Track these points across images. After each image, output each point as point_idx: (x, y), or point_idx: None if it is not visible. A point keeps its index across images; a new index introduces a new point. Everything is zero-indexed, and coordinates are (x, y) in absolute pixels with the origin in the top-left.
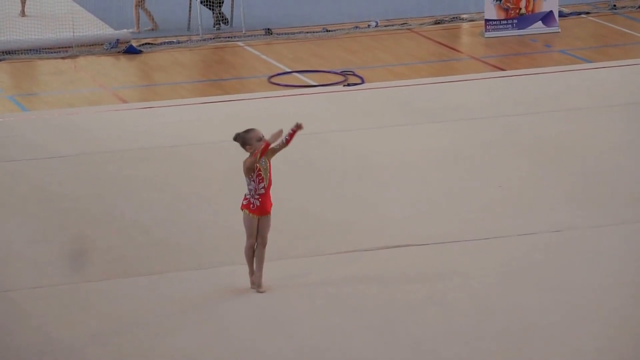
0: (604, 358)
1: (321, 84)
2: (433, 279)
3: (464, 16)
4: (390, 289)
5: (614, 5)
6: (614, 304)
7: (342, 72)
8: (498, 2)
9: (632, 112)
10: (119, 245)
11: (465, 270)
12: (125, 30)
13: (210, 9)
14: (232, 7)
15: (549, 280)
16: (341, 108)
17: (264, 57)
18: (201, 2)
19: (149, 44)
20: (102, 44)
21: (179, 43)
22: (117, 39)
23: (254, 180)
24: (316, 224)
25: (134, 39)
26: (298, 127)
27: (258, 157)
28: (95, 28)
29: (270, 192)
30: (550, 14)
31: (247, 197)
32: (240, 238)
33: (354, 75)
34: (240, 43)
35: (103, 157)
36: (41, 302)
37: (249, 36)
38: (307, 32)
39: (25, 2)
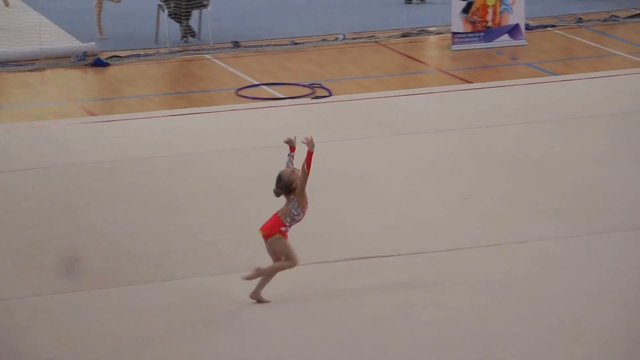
0: None
1: (289, 96)
2: (401, 290)
3: (431, 29)
4: (357, 300)
5: (580, 19)
6: (594, 315)
7: (309, 84)
8: (465, 15)
9: (599, 124)
10: (88, 257)
11: (434, 281)
12: (92, 43)
13: (178, 21)
14: (200, 19)
15: (520, 291)
16: (309, 120)
17: (231, 69)
18: (169, 15)
19: (116, 56)
20: (69, 57)
21: (146, 56)
22: (85, 52)
23: (300, 205)
24: None
25: (102, 51)
26: (309, 143)
27: (306, 171)
28: (62, 41)
29: None
30: (516, 27)
31: (287, 224)
32: (209, 250)
33: (322, 87)
34: (208, 56)
35: (71, 169)
36: (6, 314)
37: (216, 49)
38: (275, 45)
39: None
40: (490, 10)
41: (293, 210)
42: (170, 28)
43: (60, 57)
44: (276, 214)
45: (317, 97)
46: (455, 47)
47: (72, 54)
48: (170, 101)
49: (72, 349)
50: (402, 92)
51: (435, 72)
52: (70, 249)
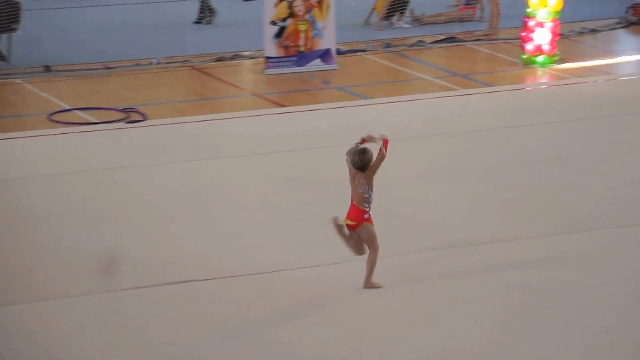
0: None
1: (103, 121)
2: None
3: (245, 53)
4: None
5: (388, 44)
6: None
7: (124, 109)
8: (278, 39)
9: (411, 145)
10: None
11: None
12: None
13: None
14: (10, 42)
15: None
16: (123, 145)
17: (43, 94)
18: None
19: None
20: None
21: None
22: None
23: (371, 187)
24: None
25: None
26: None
27: (384, 156)
28: None
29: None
30: (328, 51)
31: (367, 209)
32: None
33: (136, 112)
34: (18, 80)
35: None
36: None
37: (27, 73)
38: (88, 70)
39: None
40: (302, 35)
41: (365, 195)
42: None
43: None
44: (353, 207)
45: (131, 122)
46: (268, 71)
47: None
48: None
49: None
50: (217, 116)
51: (250, 96)
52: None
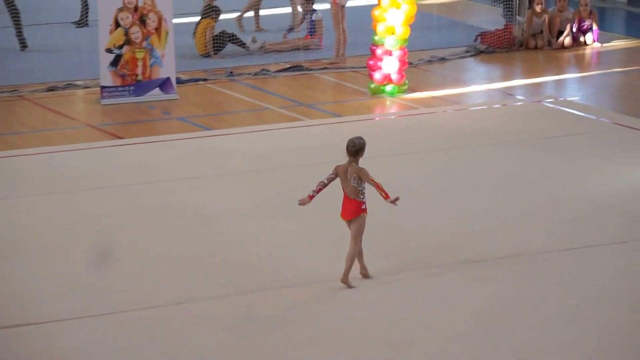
0: None
1: None
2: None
3: (79, 82)
4: None
5: (231, 72)
6: None
7: None
8: (114, 68)
9: (255, 178)
10: None
11: None
12: None
13: None
14: None
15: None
16: None
17: None
18: None
19: None
20: None
21: None
22: None
23: (364, 183)
24: None
25: None
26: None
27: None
28: None
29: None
30: (167, 80)
31: (364, 200)
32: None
33: None
34: None
35: None
36: None
37: None
38: None
39: None
40: (140, 63)
41: (359, 187)
42: None
43: None
44: (347, 199)
45: None
46: (104, 101)
47: None
48: None
49: None
50: (49, 148)
51: (84, 128)
52: None
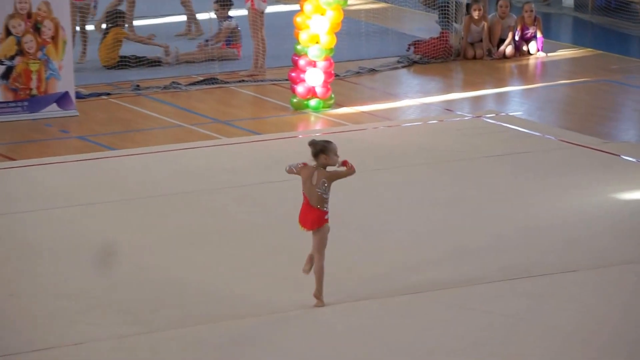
0: None
1: None
2: None
3: None
4: None
5: (138, 86)
6: None
7: None
8: (5, 81)
9: (165, 204)
10: None
11: None
12: None
13: None
14: None
15: None
16: None
17: None
18: None
19: None
20: None
21: None
22: None
23: (329, 190)
24: None
25: None
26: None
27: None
28: None
29: None
30: (66, 95)
31: (327, 210)
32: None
33: None
34: None
35: None
36: None
37: None
38: None
39: None
40: (34, 77)
41: (324, 195)
42: None
43: None
44: (309, 207)
45: None
46: None
47: None
48: None
49: None
50: None
51: None
52: None
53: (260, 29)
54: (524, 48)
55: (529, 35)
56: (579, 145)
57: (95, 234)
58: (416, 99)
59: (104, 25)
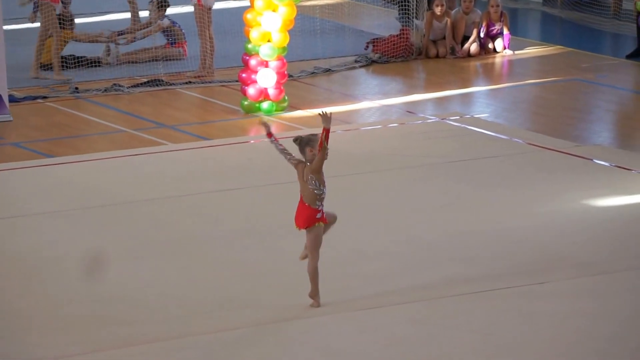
0: None
1: None
2: None
3: None
4: None
5: (76, 89)
6: None
7: None
8: None
9: (106, 215)
10: None
11: None
12: None
13: None
14: None
15: None
16: None
17: None
18: None
19: None
20: None
21: None
22: None
23: (322, 182)
24: None
25: None
26: (326, 119)
27: (325, 147)
28: None
29: None
30: None
31: (319, 208)
32: None
33: None
34: None
35: None
36: None
37: None
38: None
39: None
40: None
41: (316, 191)
42: None
43: None
44: (302, 205)
45: None
46: None
47: None
48: None
49: None
50: None
51: None
52: None
53: (207, 26)
54: (490, 45)
55: (495, 31)
56: (549, 149)
57: (28, 248)
58: (376, 101)
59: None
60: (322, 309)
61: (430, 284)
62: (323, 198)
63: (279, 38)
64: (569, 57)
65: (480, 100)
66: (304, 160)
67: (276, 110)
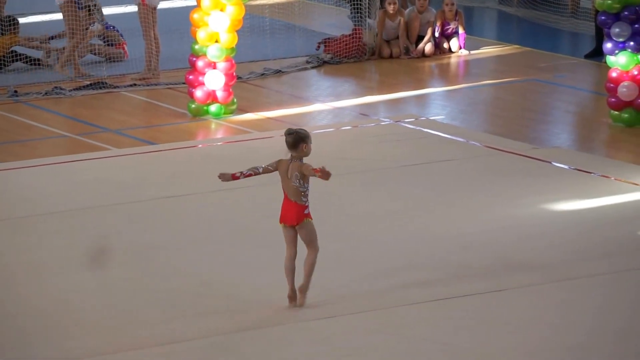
0: None
1: None
2: None
3: None
4: None
5: (15, 92)
6: None
7: None
8: None
9: (49, 224)
10: None
11: None
12: None
13: None
14: None
15: None
16: None
17: None
18: None
19: None
20: None
21: None
22: None
23: (306, 180)
24: None
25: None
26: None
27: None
28: None
29: None
30: None
31: (306, 204)
32: None
33: None
34: None
35: None
36: None
37: None
38: None
39: None
40: None
41: (300, 188)
42: None
43: None
44: (288, 201)
45: None
46: None
47: None
48: None
49: None
50: None
51: None
52: None
53: (152, 27)
54: (445, 45)
55: (450, 31)
56: (507, 151)
57: None
58: (328, 103)
59: None
60: (274, 319)
61: (386, 291)
62: (307, 194)
63: (227, 38)
64: (526, 56)
65: (436, 102)
66: (288, 157)
67: (224, 114)
